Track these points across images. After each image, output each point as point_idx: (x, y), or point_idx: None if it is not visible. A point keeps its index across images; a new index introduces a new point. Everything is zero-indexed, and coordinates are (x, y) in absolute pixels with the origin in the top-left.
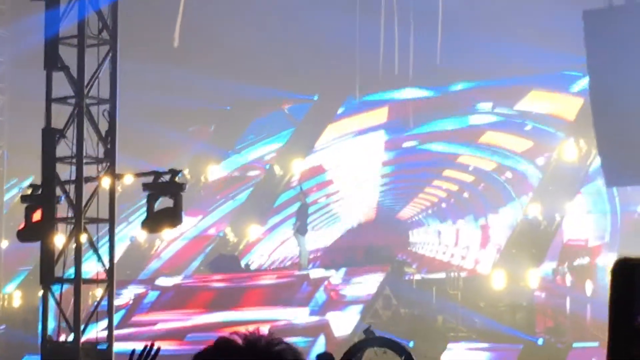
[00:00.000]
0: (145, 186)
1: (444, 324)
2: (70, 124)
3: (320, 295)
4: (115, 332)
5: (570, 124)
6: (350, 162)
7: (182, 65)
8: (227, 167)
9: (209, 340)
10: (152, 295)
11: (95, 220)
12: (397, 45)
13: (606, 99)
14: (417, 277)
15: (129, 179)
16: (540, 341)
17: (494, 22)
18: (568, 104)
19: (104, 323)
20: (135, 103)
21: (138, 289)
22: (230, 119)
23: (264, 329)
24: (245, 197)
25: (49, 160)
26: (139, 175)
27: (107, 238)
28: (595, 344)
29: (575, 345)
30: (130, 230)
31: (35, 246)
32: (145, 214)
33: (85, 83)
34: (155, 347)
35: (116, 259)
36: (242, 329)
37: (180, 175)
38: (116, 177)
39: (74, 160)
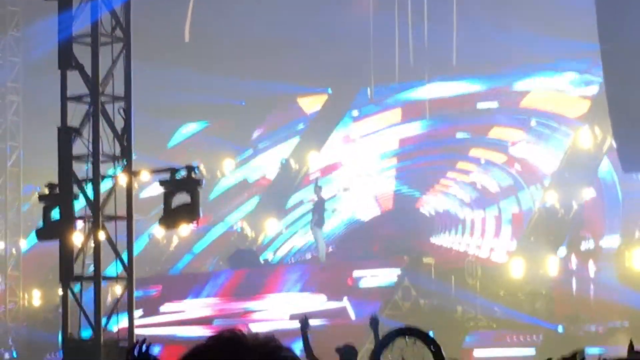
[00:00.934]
0: (162, 183)
1: (464, 313)
2: (86, 122)
3: (338, 284)
4: (147, 320)
5: (583, 115)
6: (366, 156)
7: (195, 61)
8: (242, 164)
9: (237, 324)
10: (178, 283)
11: (113, 218)
12: (412, 36)
13: (620, 84)
14: (436, 267)
15: (145, 176)
16: (560, 329)
17: (506, 9)
18: (573, 104)
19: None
20: (151, 100)
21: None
22: (245, 114)
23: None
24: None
25: (65, 159)
26: (155, 171)
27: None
28: (619, 323)
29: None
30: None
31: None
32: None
33: (100, 81)
34: (145, 342)
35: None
36: (262, 315)
37: (196, 171)
38: (133, 174)
39: (91, 159)
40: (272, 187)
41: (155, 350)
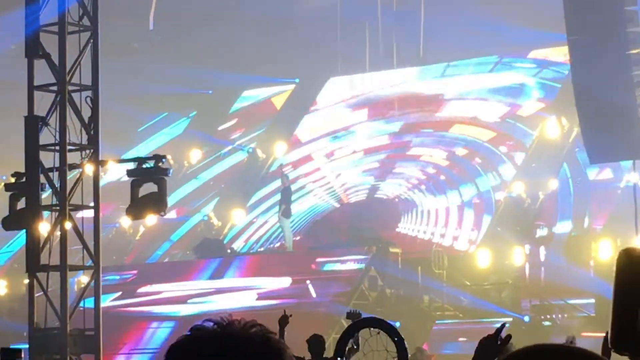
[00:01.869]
0: (129, 172)
1: (431, 303)
2: (53, 111)
3: (302, 269)
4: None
5: (552, 101)
6: (333, 138)
7: (162, 51)
8: (208, 152)
9: (208, 303)
10: (153, 270)
11: (80, 207)
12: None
13: (587, 76)
14: (402, 257)
15: (112, 166)
16: (526, 318)
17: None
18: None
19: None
20: (117, 90)
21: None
22: (212, 103)
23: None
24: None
25: (32, 147)
26: (122, 161)
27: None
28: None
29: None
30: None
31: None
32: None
33: (67, 70)
34: None
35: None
36: (231, 295)
37: (163, 160)
38: (100, 163)
39: (57, 148)
40: (239, 177)
41: None
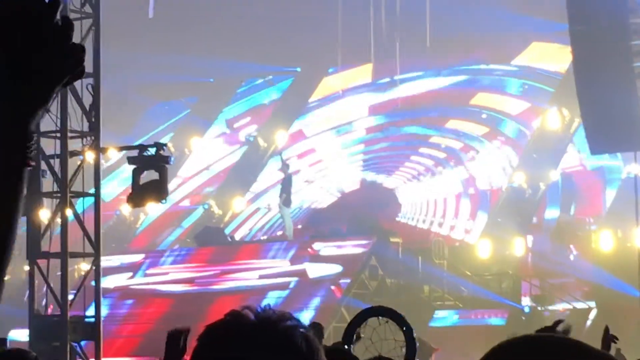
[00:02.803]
0: (130, 160)
1: (431, 293)
2: (54, 98)
3: (301, 253)
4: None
5: (552, 93)
6: (333, 129)
7: (163, 39)
8: (210, 139)
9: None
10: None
11: (81, 194)
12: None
13: (589, 67)
14: (403, 247)
15: (113, 153)
16: (526, 309)
17: None
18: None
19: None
20: (119, 78)
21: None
22: (213, 91)
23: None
24: (219, 168)
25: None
26: (123, 148)
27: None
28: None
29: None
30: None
31: None
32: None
33: None
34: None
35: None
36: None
37: (164, 148)
38: (101, 150)
39: (58, 135)
40: (239, 165)
41: None
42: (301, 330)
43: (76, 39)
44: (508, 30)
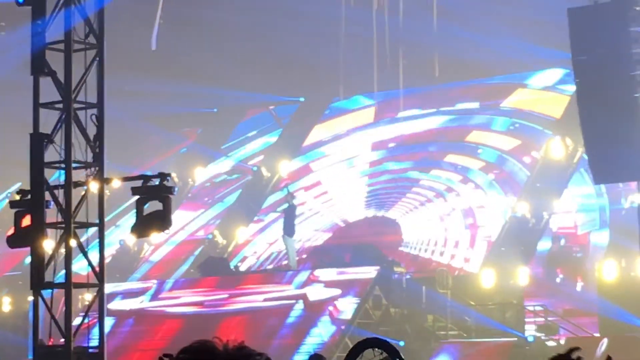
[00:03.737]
0: (134, 190)
1: (434, 323)
2: (59, 128)
3: (304, 279)
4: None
5: (556, 121)
6: (338, 163)
7: (167, 70)
8: (214, 169)
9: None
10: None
11: (85, 225)
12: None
13: (592, 96)
14: (407, 276)
15: (117, 183)
16: (530, 338)
17: (486, 16)
18: (555, 101)
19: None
20: (123, 109)
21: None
22: (217, 121)
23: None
24: (233, 200)
25: (37, 165)
26: (127, 179)
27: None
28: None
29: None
30: (117, 234)
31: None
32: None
33: (73, 88)
34: None
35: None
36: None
37: (168, 178)
38: (105, 181)
39: (63, 165)
40: (244, 195)
41: None
42: (259, 357)
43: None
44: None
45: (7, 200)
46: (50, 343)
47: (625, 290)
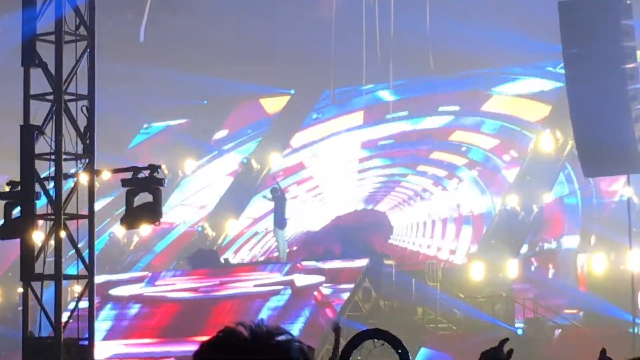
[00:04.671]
0: (124, 182)
1: (424, 315)
2: (49, 120)
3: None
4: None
5: (545, 117)
6: (328, 157)
7: (157, 61)
8: (204, 162)
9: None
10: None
11: (75, 217)
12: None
13: (583, 90)
14: (396, 269)
15: (107, 175)
16: (519, 331)
17: (477, 9)
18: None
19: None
20: (113, 99)
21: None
22: (207, 113)
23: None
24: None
25: (27, 156)
26: (117, 171)
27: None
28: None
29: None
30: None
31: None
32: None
33: (64, 79)
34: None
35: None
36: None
37: (158, 170)
38: (95, 173)
39: (53, 157)
40: (233, 187)
41: None
42: (296, 343)
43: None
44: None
45: None
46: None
47: (614, 284)
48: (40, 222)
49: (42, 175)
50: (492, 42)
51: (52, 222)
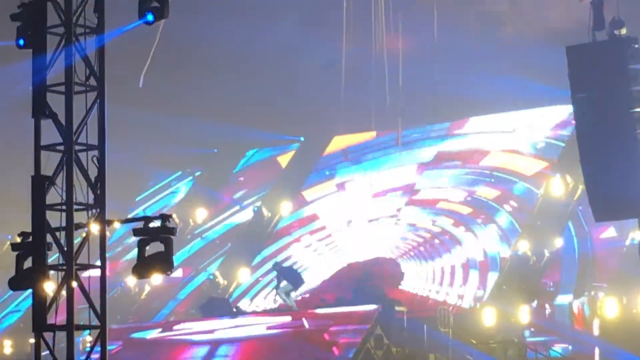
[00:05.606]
0: (136, 231)
1: None
2: (60, 170)
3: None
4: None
5: (553, 163)
6: (340, 209)
7: (165, 109)
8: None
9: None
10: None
11: (87, 267)
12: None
13: (592, 134)
14: (408, 315)
15: (118, 225)
16: None
17: (485, 56)
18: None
19: None
20: (124, 149)
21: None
22: (217, 162)
23: None
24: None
25: (38, 207)
26: (129, 220)
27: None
28: None
29: None
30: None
31: None
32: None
33: (74, 129)
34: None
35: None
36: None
37: (170, 220)
38: (106, 223)
39: (64, 207)
40: (245, 235)
41: None
42: None
43: (81, 111)
44: (513, 97)
45: (8, 243)
46: None
47: (626, 328)
48: (52, 272)
49: (53, 226)
50: (499, 88)
51: (63, 273)
